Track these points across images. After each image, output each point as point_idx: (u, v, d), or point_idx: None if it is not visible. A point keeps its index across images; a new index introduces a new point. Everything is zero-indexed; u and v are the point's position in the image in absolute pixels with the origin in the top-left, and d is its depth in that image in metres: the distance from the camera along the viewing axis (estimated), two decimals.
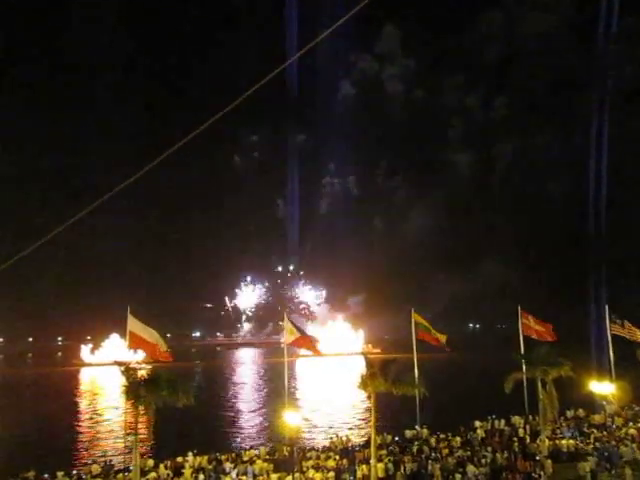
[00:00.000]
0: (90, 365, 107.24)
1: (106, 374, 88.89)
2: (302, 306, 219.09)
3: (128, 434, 24.68)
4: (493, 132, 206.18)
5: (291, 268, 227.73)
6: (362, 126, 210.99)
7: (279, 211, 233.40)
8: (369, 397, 22.17)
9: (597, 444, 26.66)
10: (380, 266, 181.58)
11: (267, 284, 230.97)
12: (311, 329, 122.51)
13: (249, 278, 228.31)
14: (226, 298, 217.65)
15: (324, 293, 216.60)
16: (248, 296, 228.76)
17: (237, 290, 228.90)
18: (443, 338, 33.86)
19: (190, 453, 26.85)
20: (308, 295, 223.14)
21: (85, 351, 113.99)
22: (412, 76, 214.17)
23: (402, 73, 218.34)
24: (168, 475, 24.46)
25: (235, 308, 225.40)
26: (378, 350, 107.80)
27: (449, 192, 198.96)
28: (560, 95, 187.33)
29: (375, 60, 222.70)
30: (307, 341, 29.75)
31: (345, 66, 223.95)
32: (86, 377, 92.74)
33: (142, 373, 20.51)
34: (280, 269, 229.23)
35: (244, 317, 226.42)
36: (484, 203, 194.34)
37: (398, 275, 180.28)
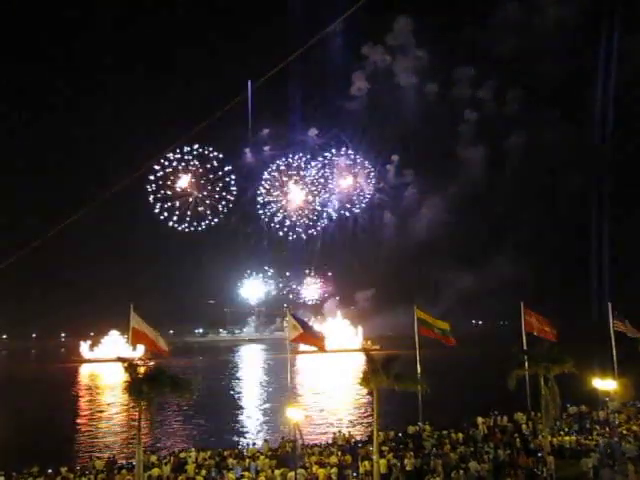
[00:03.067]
0: (89, 361, 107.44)
1: (106, 370, 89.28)
2: (308, 301, 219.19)
3: (131, 431, 24.79)
4: (505, 126, 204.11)
5: (299, 263, 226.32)
6: (373, 120, 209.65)
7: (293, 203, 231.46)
8: (371, 393, 22.17)
9: (600, 440, 26.69)
10: (389, 262, 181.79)
11: (274, 279, 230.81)
12: (317, 324, 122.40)
13: (254, 273, 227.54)
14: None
15: (332, 288, 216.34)
16: (254, 291, 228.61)
17: (243, 286, 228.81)
18: (446, 326, 33.73)
19: (193, 449, 26.97)
20: (316, 290, 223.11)
21: (84, 347, 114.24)
22: (425, 68, 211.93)
23: (415, 65, 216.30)
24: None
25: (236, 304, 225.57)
26: (377, 346, 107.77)
27: (460, 188, 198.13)
28: (573, 89, 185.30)
29: (387, 52, 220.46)
30: (312, 337, 29.49)
31: (357, 58, 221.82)
32: (86, 373, 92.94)
33: (145, 369, 20.57)
34: (289, 264, 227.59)
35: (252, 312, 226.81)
36: (495, 199, 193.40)
37: (407, 271, 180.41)
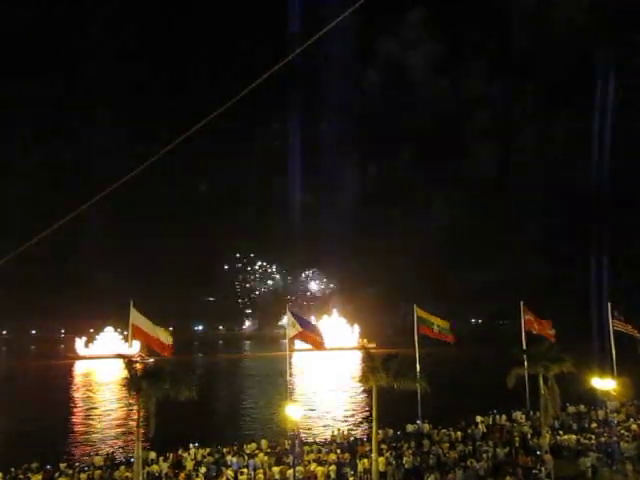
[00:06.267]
0: (85, 358, 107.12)
1: (101, 367, 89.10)
2: (309, 296, 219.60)
3: (130, 428, 24.78)
4: (514, 123, 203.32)
5: (304, 259, 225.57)
6: (384, 116, 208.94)
7: (298, 201, 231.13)
8: (370, 391, 22.15)
9: (599, 439, 26.69)
10: (396, 260, 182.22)
11: (279, 276, 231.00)
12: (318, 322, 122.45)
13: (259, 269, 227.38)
14: None
15: (332, 286, 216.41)
16: (257, 287, 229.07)
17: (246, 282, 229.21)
18: (445, 324, 33.86)
19: (192, 446, 26.96)
20: (320, 287, 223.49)
21: (80, 344, 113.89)
22: (436, 63, 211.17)
23: (425, 60, 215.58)
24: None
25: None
26: (373, 345, 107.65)
27: (469, 187, 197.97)
28: (582, 84, 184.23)
29: (398, 46, 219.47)
30: (311, 335, 29.38)
31: (367, 53, 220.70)
32: (82, 370, 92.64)
33: (144, 366, 20.55)
34: (294, 260, 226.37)
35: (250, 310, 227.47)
36: (502, 198, 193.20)
37: (414, 270, 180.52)
